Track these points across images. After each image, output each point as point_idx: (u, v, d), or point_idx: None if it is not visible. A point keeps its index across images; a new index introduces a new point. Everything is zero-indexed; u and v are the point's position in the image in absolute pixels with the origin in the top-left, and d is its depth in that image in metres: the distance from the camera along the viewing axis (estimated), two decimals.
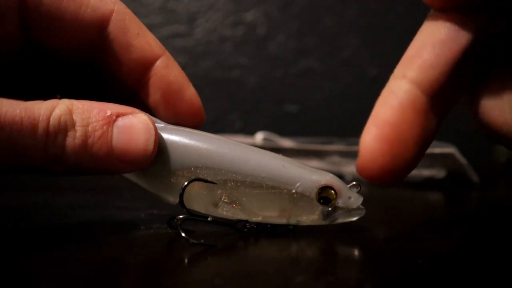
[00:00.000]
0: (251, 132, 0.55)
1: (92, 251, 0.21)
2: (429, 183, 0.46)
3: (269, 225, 0.24)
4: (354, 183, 0.24)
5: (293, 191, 0.23)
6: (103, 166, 0.22)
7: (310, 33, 0.71)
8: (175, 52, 0.69)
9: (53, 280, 0.18)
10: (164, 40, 0.70)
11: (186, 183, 0.23)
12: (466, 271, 0.20)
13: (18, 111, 0.21)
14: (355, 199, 0.24)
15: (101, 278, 0.18)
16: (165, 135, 0.24)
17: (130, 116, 0.22)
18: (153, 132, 0.23)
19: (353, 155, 0.48)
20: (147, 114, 0.23)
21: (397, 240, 0.25)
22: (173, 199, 0.24)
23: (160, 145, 0.23)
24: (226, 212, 0.24)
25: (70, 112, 0.22)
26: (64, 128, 0.21)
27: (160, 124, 0.24)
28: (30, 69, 0.26)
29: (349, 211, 0.24)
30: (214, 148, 0.24)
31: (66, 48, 0.25)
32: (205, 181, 0.23)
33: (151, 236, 0.24)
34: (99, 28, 0.24)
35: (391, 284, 0.18)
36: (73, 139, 0.21)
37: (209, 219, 0.23)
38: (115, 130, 0.22)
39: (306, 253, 0.23)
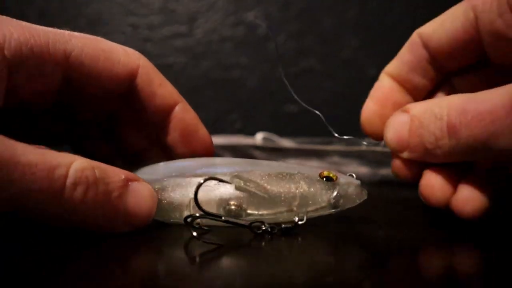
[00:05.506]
0: (251, 132, 0.55)
1: (92, 251, 0.22)
2: None
3: (283, 226, 0.25)
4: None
5: (297, 171, 0.25)
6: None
7: (310, 33, 0.71)
8: (175, 52, 0.69)
9: (53, 280, 0.18)
10: (164, 40, 0.70)
11: (201, 181, 0.23)
12: (466, 271, 0.20)
13: (32, 156, 0.20)
14: (355, 178, 0.26)
15: (101, 278, 0.18)
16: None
17: (137, 182, 0.24)
18: (155, 199, 0.24)
19: (353, 155, 0.48)
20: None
21: (397, 240, 0.25)
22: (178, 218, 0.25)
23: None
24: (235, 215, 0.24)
25: (92, 168, 0.22)
26: (85, 181, 0.22)
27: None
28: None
29: (352, 194, 0.25)
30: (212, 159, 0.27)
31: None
32: (220, 180, 0.24)
33: (154, 235, 0.24)
34: (129, 81, 0.28)
35: (391, 284, 0.19)
36: (95, 193, 0.22)
37: (222, 218, 0.24)
38: (127, 194, 0.23)
39: (307, 253, 0.23)
